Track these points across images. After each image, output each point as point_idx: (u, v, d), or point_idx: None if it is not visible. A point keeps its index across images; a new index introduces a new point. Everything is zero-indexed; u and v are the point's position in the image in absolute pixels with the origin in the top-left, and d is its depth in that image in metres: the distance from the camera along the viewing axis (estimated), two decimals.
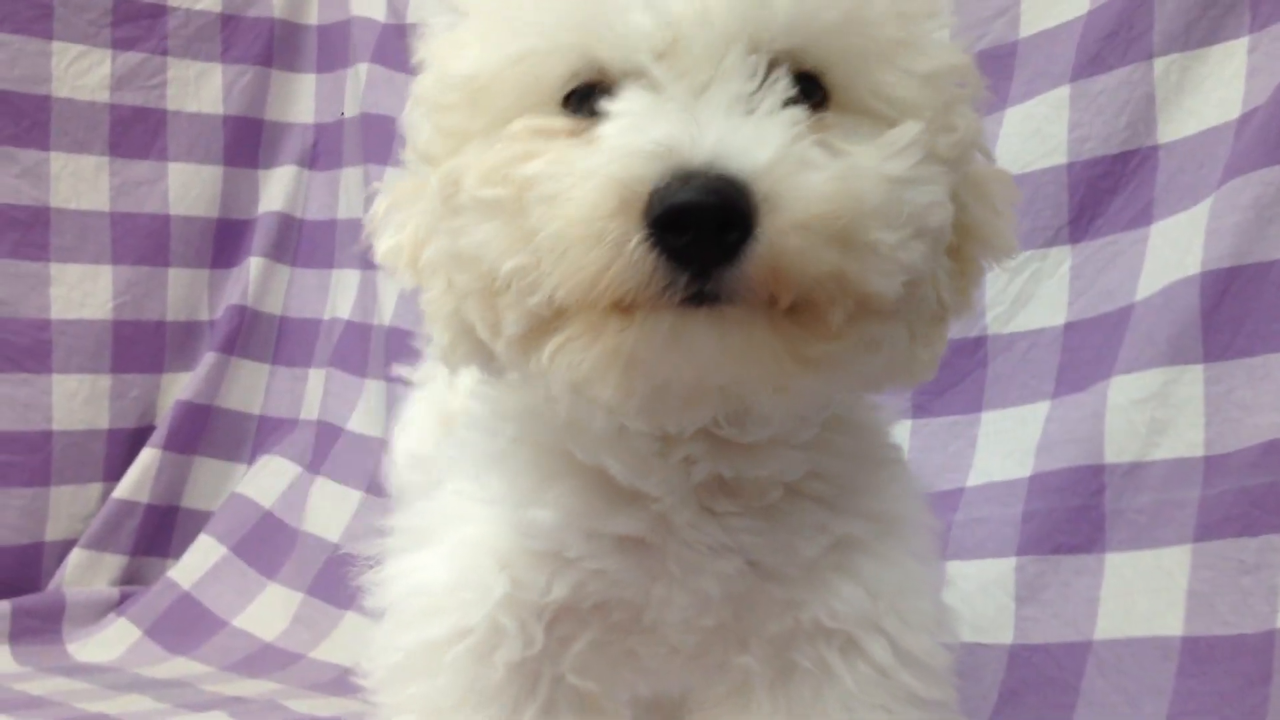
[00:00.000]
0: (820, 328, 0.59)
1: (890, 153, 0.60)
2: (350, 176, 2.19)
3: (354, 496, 1.97)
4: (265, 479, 2.10)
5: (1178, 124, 1.20)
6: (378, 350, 2.04)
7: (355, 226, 2.16)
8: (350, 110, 2.19)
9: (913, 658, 0.71)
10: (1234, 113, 1.14)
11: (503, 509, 0.73)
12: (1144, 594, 1.09)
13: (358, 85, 2.16)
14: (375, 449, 1.99)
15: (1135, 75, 1.22)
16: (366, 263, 2.12)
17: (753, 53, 0.60)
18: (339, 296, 2.18)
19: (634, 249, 0.56)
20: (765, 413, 0.65)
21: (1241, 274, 1.09)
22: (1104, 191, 1.25)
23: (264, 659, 1.80)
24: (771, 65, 0.60)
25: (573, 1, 0.61)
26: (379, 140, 2.11)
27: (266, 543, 2.00)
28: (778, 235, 0.56)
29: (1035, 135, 1.31)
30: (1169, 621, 1.07)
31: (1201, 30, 1.18)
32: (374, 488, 1.95)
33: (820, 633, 0.71)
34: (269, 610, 1.91)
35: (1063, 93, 1.28)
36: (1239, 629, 1.02)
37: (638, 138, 0.57)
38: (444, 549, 0.75)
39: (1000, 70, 1.37)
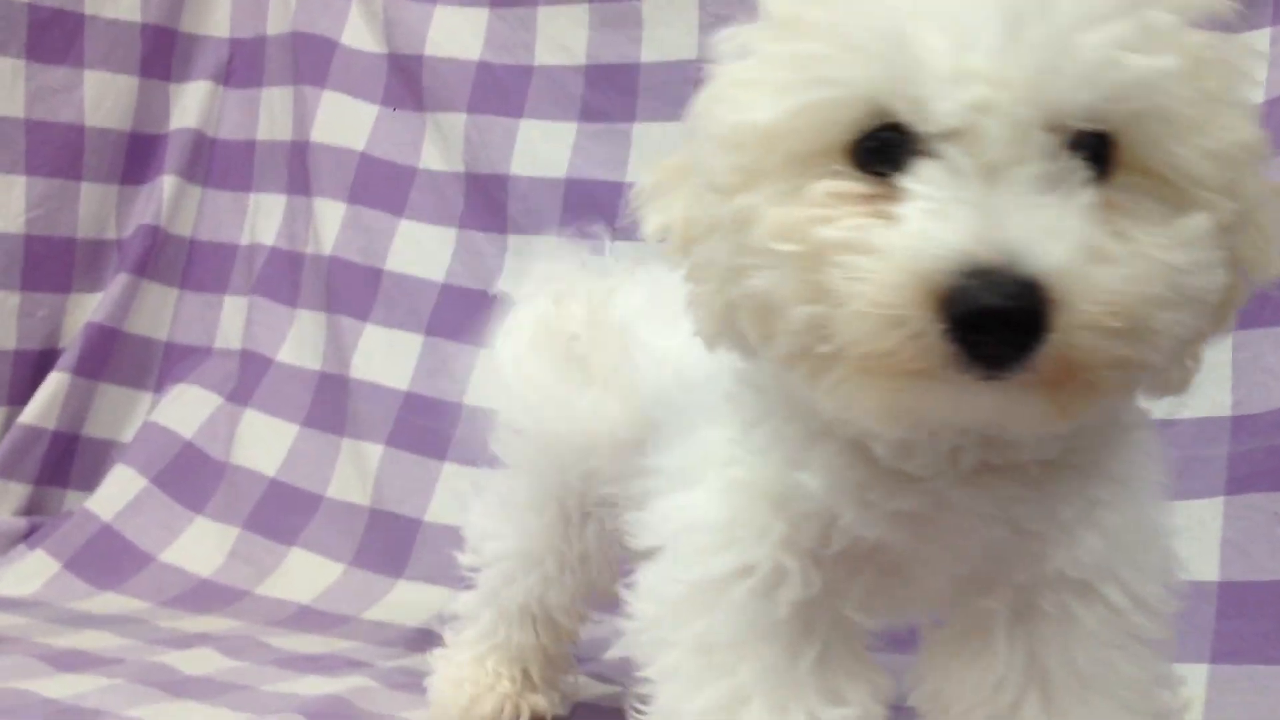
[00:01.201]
0: (1093, 393, 0.62)
1: (1178, 242, 0.62)
2: (275, 97, 2.11)
3: (290, 429, 1.92)
4: (182, 408, 2.01)
5: None
6: (314, 280, 1.98)
7: (279, 149, 2.09)
8: (278, 27, 2.10)
9: (1144, 602, 0.76)
10: (1256, 99, 1.23)
11: (772, 461, 0.75)
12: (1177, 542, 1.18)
13: (287, 3, 2.07)
14: (311, 381, 1.94)
15: None
16: (295, 187, 2.05)
17: (1050, 132, 0.60)
18: (260, 221, 2.10)
19: (932, 339, 0.58)
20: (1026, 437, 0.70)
21: None
22: None
23: (204, 595, 1.74)
24: (1067, 143, 0.61)
25: (878, 66, 0.61)
26: (313, 61, 2.04)
27: (190, 475, 1.93)
28: (1068, 333, 0.58)
29: None
30: (1204, 568, 1.17)
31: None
32: (312, 420, 1.91)
33: (1063, 580, 0.76)
34: (199, 544, 1.84)
35: None
36: (1276, 574, 1.12)
37: (940, 229, 0.58)
38: (715, 489, 0.76)
39: None
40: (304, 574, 1.77)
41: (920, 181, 0.60)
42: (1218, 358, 1.20)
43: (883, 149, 0.62)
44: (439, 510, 1.75)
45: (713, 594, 0.75)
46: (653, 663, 0.78)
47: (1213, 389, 1.20)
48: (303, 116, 2.04)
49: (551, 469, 1.13)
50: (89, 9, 1.97)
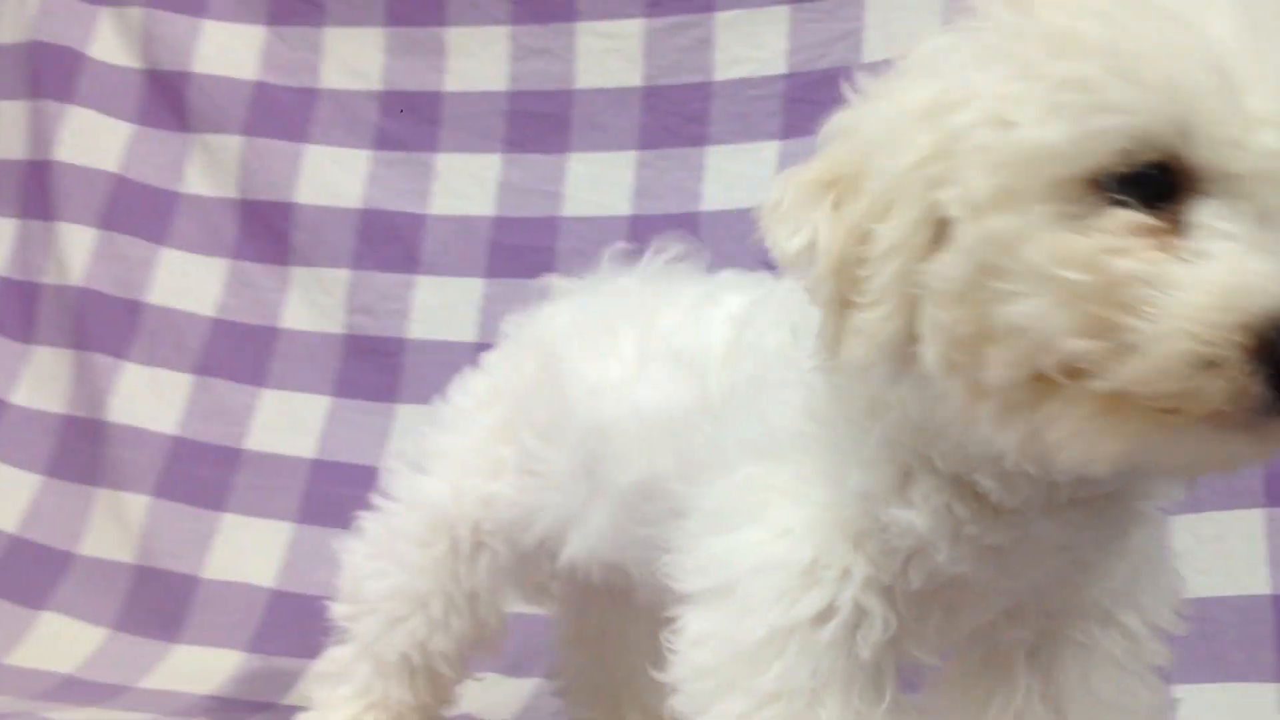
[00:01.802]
0: None
1: None
2: (5, 111, 1.89)
3: (30, 480, 1.70)
4: None
5: None
6: (56, 314, 1.77)
7: (11, 168, 1.87)
8: (12, 35, 1.89)
9: (1158, 627, 0.78)
10: None
11: (849, 495, 0.72)
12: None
13: (24, 9, 1.87)
14: (54, 425, 1.74)
15: None
16: (31, 210, 1.84)
17: None
18: None
19: (1244, 382, 0.56)
20: None
21: None
22: None
23: None
24: None
25: (1172, 99, 0.58)
26: (56, 73, 1.85)
27: None
28: None
29: None
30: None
31: None
32: (58, 469, 1.70)
33: (1089, 608, 0.77)
34: None
35: None
36: None
37: (1257, 271, 0.57)
38: (785, 527, 0.72)
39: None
40: (59, 640, 1.56)
41: (1213, 219, 0.58)
42: None
43: (1146, 183, 0.59)
44: (218, 566, 1.60)
45: (793, 637, 0.71)
46: (712, 713, 0.72)
47: None
48: (43, 133, 1.84)
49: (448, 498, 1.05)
50: None
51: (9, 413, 1.75)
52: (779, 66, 1.58)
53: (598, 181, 1.64)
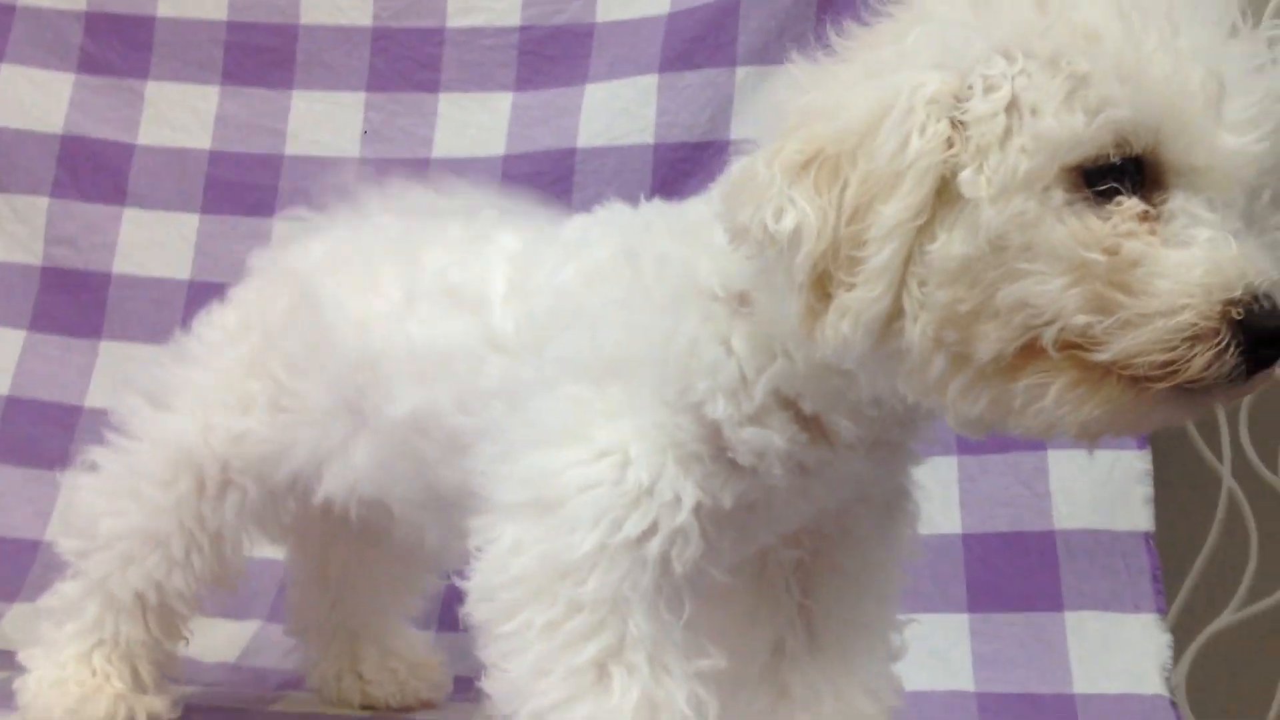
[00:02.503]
0: None
1: None
2: None
3: None
4: None
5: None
6: None
7: None
8: None
9: (898, 557, 0.90)
10: None
11: (691, 417, 0.76)
12: None
13: None
14: None
15: (720, 78, 1.47)
16: None
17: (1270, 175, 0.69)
18: None
19: (1228, 353, 0.64)
20: None
21: None
22: (683, 174, 1.47)
23: None
24: None
25: (1164, 101, 0.65)
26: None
27: None
28: None
29: (624, 113, 1.49)
30: None
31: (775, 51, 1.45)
32: None
33: (853, 534, 0.87)
34: None
35: (650, 81, 1.49)
36: None
37: (1233, 256, 0.65)
38: (607, 447, 0.76)
39: (579, 48, 1.54)
40: None
41: (1195, 209, 0.66)
42: None
43: (1128, 174, 0.66)
44: None
45: (619, 554, 0.74)
46: (519, 619, 0.75)
47: None
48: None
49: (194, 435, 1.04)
50: None
51: None
52: (513, 19, 1.60)
53: (323, 121, 1.62)
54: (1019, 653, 1.35)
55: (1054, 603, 1.35)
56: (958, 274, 0.67)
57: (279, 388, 1.03)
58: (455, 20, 1.62)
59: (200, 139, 1.62)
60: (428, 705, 1.25)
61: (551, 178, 1.51)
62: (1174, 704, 1.27)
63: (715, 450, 0.77)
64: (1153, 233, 0.66)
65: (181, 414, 1.06)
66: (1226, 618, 1.37)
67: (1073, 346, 0.66)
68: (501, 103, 1.57)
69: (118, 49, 1.65)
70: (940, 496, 1.41)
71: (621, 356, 0.78)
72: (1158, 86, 0.66)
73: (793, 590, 0.88)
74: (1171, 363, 0.65)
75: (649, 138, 1.49)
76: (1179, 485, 1.41)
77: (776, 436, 0.76)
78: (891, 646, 0.90)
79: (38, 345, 1.58)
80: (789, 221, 0.68)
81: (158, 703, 1.09)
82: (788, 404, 0.76)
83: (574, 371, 0.80)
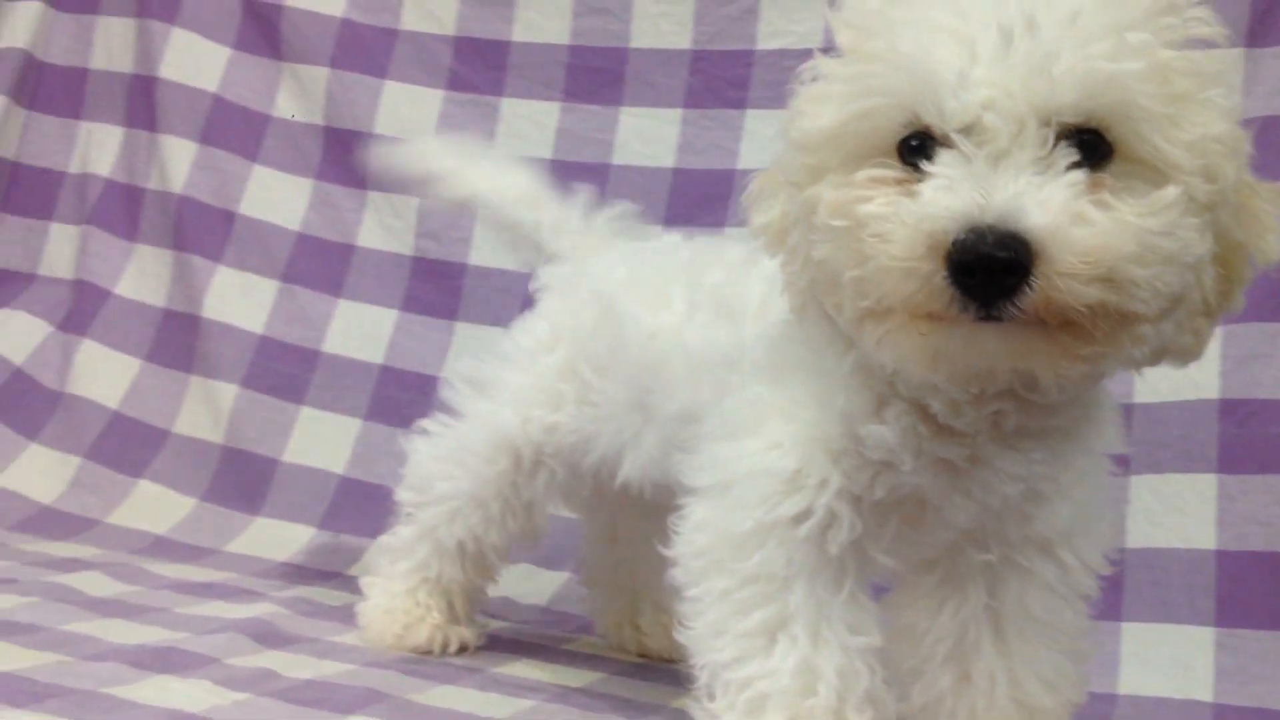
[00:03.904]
0: (1087, 336, 0.77)
1: (1150, 210, 0.77)
2: (114, 27, 2.09)
3: (132, 363, 1.93)
4: (8, 335, 1.98)
5: None
6: (158, 216, 1.99)
7: (117, 80, 2.07)
8: None
9: (1088, 565, 0.95)
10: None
11: (834, 415, 0.88)
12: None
13: None
14: (155, 317, 1.96)
15: None
16: (135, 120, 2.04)
17: (1044, 126, 0.76)
18: (92, 151, 2.07)
19: (937, 283, 0.74)
20: (1050, 386, 0.84)
21: None
22: None
23: (48, 521, 1.75)
24: (1060, 134, 0.77)
25: (907, 79, 0.77)
26: None
27: (22, 401, 1.91)
28: (1047, 279, 0.74)
29: None
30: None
31: None
32: (156, 355, 1.93)
33: (1036, 540, 0.94)
34: (37, 471, 1.84)
35: None
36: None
37: (946, 198, 0.74)
38: (776, 440, 0.89)
39: None
40: (154, 506, 1.80)
41: (938, 165, 0.76)
42: None
43: (918, 147, 0.78)
44: (296, 451, 1.83)
45: (774, 532, 0.89)
46: (702, 586, 0.91)
47: None
48: (148, 51, 2.04)
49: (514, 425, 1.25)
50: None
51: (113, 302, 1.98)
52: (815, 41, 1.74)
53: (645, 134, 1.82)
54: (1263, 668, 1.39)
55: None
56: (803, 253, 0.84)
57: (586, 387, 1.21)
58: (764, 43, 1.78)
59: (543, 149, 1.86)
60: None
61: None
62: None
63: (855, 445, 0.88)
64: (903, 194, 0.77)
65: (502, 406, 1.26)
66: None
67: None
68: None
69: (479, 69, 1.91)
70: (1197, 513, 1.47)
71: (791, 362, 0.92)
72: (908, 70, 0.77)
73: (979, 590, 0.96)
74: (910, 299, 0.75)
75: None
76: None
77: (889, 431, 0.87)
78: (1078, 647, 0.97)
79: (407, 323, 1.87)
80: (755, 224, 0.91)
81: (467, 633, 1.33)
82: (897, 396, 0.87)
83: (759, 374, 0.95)
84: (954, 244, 0.73)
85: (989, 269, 0.73)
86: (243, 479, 1.82)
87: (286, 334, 1.89)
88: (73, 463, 1.85)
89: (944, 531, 0.94)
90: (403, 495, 1.34)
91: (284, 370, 1.87)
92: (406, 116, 1.92)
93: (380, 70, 1.95)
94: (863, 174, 0.79)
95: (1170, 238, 0.77)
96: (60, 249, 2.05)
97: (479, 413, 1.29)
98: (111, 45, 2.09)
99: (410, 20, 1.95)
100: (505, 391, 1.27)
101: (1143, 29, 0.78)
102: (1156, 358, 0.85)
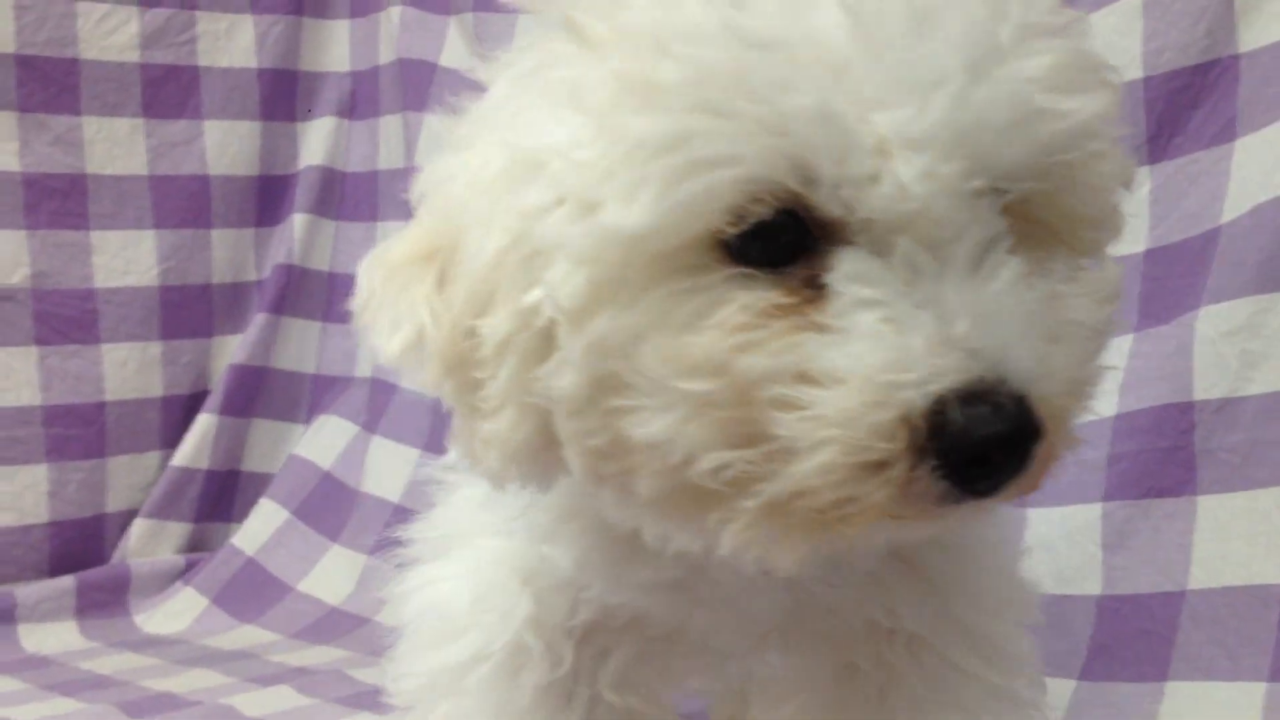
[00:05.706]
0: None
1: (1098, 299, 0.55)
2: (389, 125, 2.14)
3: (411, 455, 1.94)
4: (323, 439, 2.07)
5: (1260, 30, 1.10)
6: None
7: (397, 176, 2.11)
8: (386, 56, 2.12)
9: (990, 645, 0.65)
10: None
11: (521, 534, 0.69)
12: (1239, 538, 1.02)
13: (391, 29, 2.09)
14: (430, 407, 1.95)
15: None
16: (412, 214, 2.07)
17: (987, 196, 0.51)
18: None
19: (922, 480, 0.48)
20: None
21: None
22: (1183, 106, 1.16)
23: (330, 624, 1.78)
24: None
25: (782, 138, 0.48)
26: (416, 86, 2.05)
27: (328, 504, 1.98)
28: (1054, 435, 0.51)
29: (1105, 49, 1.22)
30: (1267, 569, 1.00)
31: None
32: (432, 444, 1.92)
33: (877, 632, 0.66)
34: (333, 574, 1.89)
35: (1134, 1, 1.19)
36: None
37: (905, 345, 0.48)
38: (461, 563, 0.71)
39: None
40: None
41: (853, 280, 0.49)
42: None
43: (776, 236, 0.50)
44: None
45: (454, 680, 0.70)
46: None
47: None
48: (410, 142, 2.06)
49: None
50: (202, 61, 2.04)
51: (399, 396, 2.00)
52: None
53: None
54: None
55: None
56: (576, 404, 0.52)
57: None
58: None
59: None
60: None
61: None
62: None
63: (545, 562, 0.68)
64: (802, 326, 0.48)
65: None
66: None
67: (745, 481, 0.50)
68: None
69: None
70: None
71: None
72: (754, 123, 0.47)
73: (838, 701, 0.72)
74: (849, 499, 0.48)
75: (1137, 72, 1.19)
76: None
77: (564, 552, 0.66)
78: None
79: None
80: (402, 337, 0.57)
81: None
82: (583, 509, 0.64)
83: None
84: (953, 425, 0.48)
85: (1001, 450, 0.49)
86: None
87: None
88: (360, 561, 1.88)
89: (728, 645, 0.70)
90: None
91: None
92: None
93: None
94: (735, 301, 0.50)
95: (1109, 331, 0.56)
96: (367, 353, 2.11)
97: None
98: (390, 143, 2.14)
99: None
100: None
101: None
102: None
